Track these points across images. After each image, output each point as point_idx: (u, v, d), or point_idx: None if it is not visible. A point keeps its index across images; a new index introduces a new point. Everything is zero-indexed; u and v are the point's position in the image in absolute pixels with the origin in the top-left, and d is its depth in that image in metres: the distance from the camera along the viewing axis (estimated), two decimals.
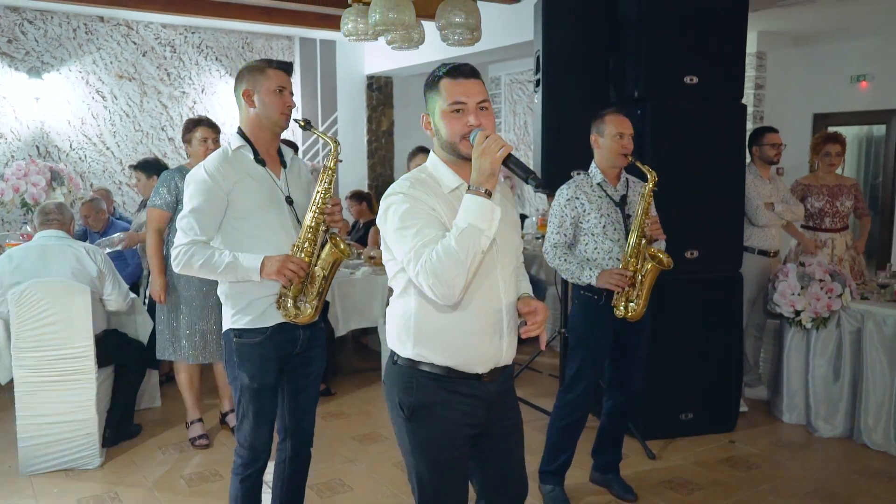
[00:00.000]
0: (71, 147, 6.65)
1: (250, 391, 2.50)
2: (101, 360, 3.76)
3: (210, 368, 4.25)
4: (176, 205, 3.82)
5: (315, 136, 2.97)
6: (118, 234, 4.57)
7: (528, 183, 1.80)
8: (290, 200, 2.53)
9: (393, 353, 2.01)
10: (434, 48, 5.58)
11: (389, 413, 2.04)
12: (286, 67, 2.53)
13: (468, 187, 1.81)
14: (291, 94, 2.54)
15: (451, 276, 1.75)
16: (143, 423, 4.27)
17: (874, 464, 3.79)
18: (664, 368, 4.02)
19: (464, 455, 2.02)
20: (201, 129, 3.85)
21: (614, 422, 3.46)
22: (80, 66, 6.66)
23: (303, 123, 2.52)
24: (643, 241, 3.11)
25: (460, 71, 1.90)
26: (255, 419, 2.52)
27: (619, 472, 3.48)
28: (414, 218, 1.83)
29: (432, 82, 1.92)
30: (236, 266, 2.37)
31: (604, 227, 3.18)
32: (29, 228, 5.27)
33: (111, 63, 6.80)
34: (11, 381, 3.96)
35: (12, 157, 6.40)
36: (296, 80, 7.82)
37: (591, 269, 3.13)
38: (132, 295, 4.19)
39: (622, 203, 3.24)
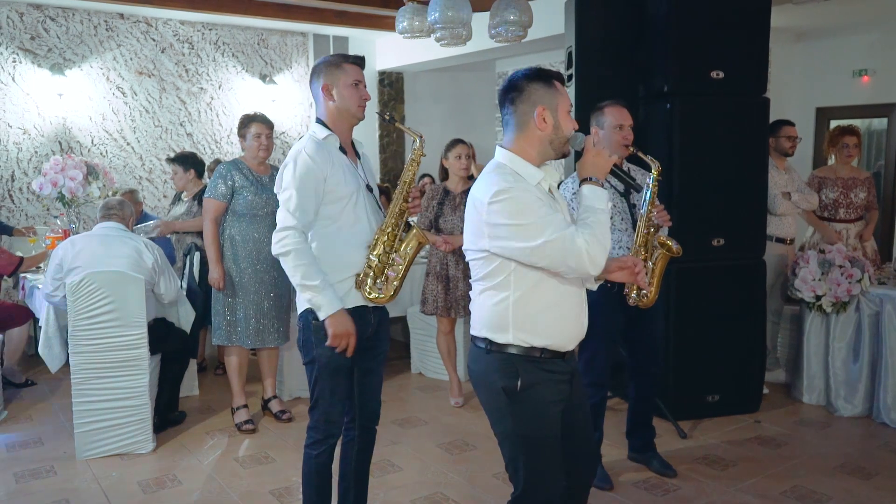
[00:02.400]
0: (92, 143, 6.72)
1: (327, 370, 2.62)
2: (151, 347, 3.87)
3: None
4: (232, 196, 3.95)
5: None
6: (153, 221, 4.68)
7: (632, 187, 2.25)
8: (369, 188, 2.66)
9: (486, 342, 2.11)
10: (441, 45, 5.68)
11: (486, 398, 2.16)
12: (360, 62, 2.65)
13: (588, 179, 2.09)
14: (365, 86, 2.66)
15: (607, 242, 2.00)
16: (185, 411, 4.39)
17: (894, 440, 3.98)
18: (692, 352, 4.19)
19: (558, 432, 2.15)
20: (255, 124, 3.98)
21: (641, 404, 3.63)
22: (101, 63, 6.73)
23: (388, 117, 2.66)
24: (651, 230, 3.25)
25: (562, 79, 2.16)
26: (330, 396, 2.65)
27: (656, 449, 3.64)
28: (534, 210, 1.98)
29: (548, 80, 2.09)
30: (317, 294, 2.44)
31: (611, 217, 3.31)
32: (59, 223, 5.36)
33: (131, 60, 6.87)
34: (59, 369, 4.10)
35: (35, 152, 6.47)
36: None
37: None
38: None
39: (626, 193, 3.37)
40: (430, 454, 3.83)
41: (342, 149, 2.62)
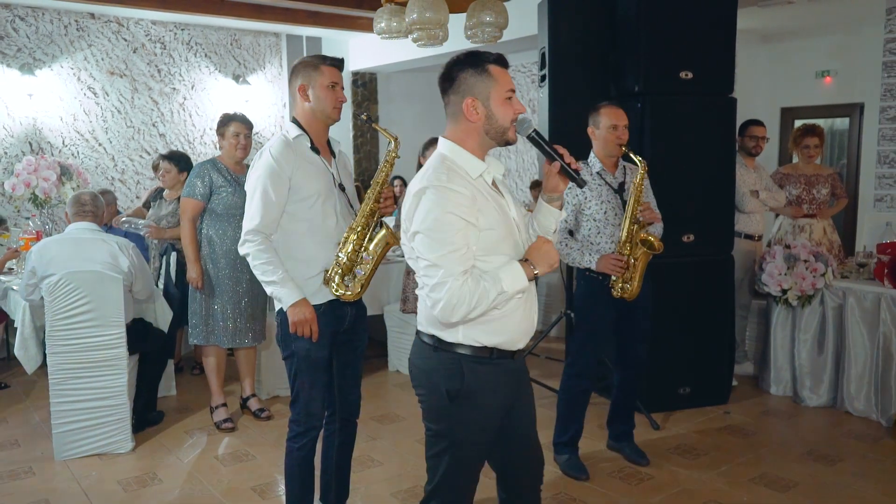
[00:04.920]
0: (63, 143, 6.66)
1: (306, 363, 2.67)
2: (130, 347, 3.86)
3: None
4: (210, 195, 3.95)
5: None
6: (143, 221, 4.64)
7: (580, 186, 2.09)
8: (342, 187, 2.72)
9: (433, 339, 2.01)
10: (414, 46, 5.71)
11: (425, 396, 2.06)
12: (339, 64, 2.70)
13: (524, 260, 1.94)
14: (342, 88, 2.71)
15: (466, 313, 1.86)
16: (163, 411, 4.38)
17: (858, 428, 4.12)
18: (663, 346, 4.29)
19: (492, 439, 2.09)
20: (234, 124, 3.99)
21: (624, 394, 3.73)
22: (72, 63, 6.67)
23: (365, 118, 2.71)
24: (636, 227, 3.37)
25: (505, 61, 2.01)
26: (310, 389, 2.70)
27: (632, 439, 3.74)
28: (449, 232, 1.85)
29: (480, 66, 1.96)
30: (277, 287, 2.55)
31: (605, 212, 3.43)
32: (31, 224, 5.31)
33: (102, 60, 6.82)
34: (37, 370, 4.07)
35: (4, 153, 6.40)
36: (283, 77, 7.92)
37: (591, 254, 3.39)
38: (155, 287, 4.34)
39: (620, 190, 3.48)
40: (410, 449, 3.88)
41: (314, 148, 2.66)
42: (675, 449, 3.84)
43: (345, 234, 2.65)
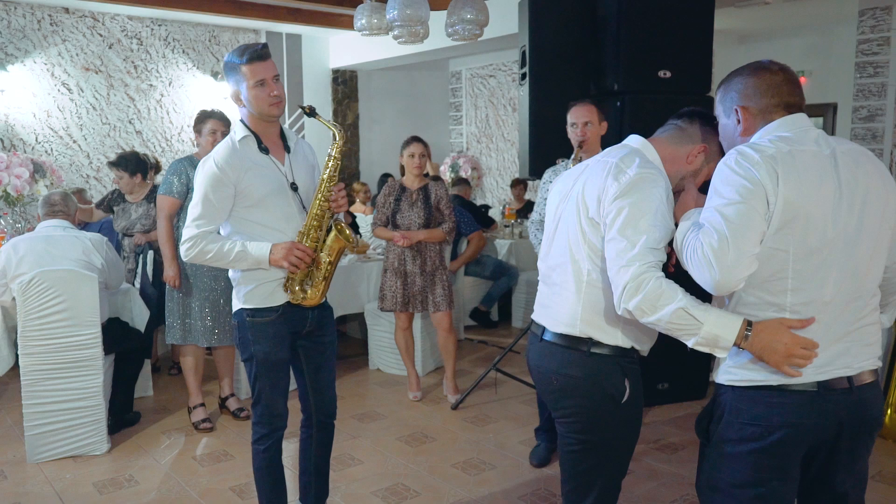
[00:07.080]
0: (37, 140, 6.55)
1: (266, 366, 2.59)
2: (106, 347, 3.81)
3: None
4: (187, 193, 3.91)
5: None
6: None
7: None
8: (294, 187, 2.59)
9: (587, 343, 1.94)
10: (395, 43, 5.71)
11: (584, 405, 1.97)
12: (259, 56, 2.45)
13: (748, 324, 1.68)
14: (276, 77, 2.49)
15: (647, 314, 1.72)
16: (140, 411, 4.33)
17: None
18: None
19: None
20: (211, 121, 3.94)
21: None
22: (46, 58, 6.56)
23: (307, 110, 2.57)
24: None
25: None
26: (271, 391, 2.63)
27: None
28: (660, 220, 1.80)
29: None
30: (246, 255, 2.47)
31: None
32: (2, 223, 5.22)
33: (77, 55, 6.72)
34: (8, 372, 4.00)
35: None
36: None
37: None
38: (126, 285, 4.29)
39: None
40: (390, 447, 3.87)
41: (263, 148, 2.55)
42: (654, 443, 3.87)
43: (297, 237, 2.56)
